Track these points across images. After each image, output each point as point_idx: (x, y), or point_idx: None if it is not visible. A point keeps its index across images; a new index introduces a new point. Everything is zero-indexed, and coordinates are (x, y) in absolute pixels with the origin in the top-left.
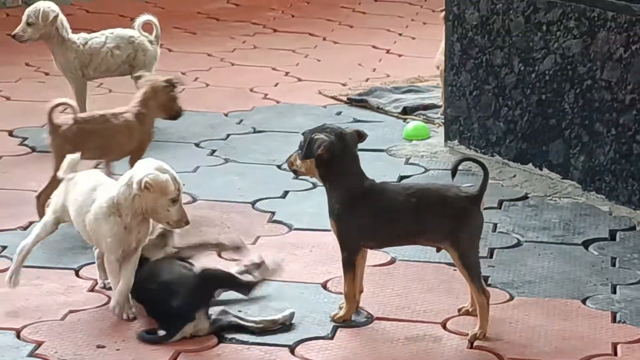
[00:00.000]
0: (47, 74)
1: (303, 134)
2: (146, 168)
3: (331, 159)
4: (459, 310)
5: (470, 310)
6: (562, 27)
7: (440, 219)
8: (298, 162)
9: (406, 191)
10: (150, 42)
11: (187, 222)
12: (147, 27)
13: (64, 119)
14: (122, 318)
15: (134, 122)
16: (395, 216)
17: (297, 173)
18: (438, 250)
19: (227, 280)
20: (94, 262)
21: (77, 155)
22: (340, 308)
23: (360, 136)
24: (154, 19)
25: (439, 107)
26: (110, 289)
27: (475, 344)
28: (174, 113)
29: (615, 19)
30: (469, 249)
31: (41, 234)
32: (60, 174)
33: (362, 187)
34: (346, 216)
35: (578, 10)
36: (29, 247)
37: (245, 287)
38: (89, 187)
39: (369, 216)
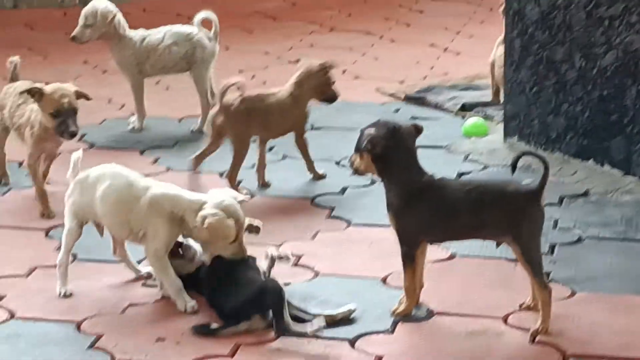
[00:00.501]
0: (105, 71)
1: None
2: (216, 204)
3: (385, 153)
4: (520, 305)
5: (532, 305)
6: (624, 21)
7: (500, 214)
8: (357, 160)
9: (465, 186)
10: (209, 38)
11: (243, 257)
12: (206, 24)
13: (231, 98)
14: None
15: (288, 102)
16: (455, 211)
17: (357, 171)
18: (498, 245)
19: (279, 304)
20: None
21: (80, 152)
22: (401, 303)
23: (418, 130)
24: (213, 16)
25: (497, 104)
26: (149, 277)
27: (537, 339)
28: (327, 97)
29: None
30: (530, 244)
31: (70, 243)
32: (67, 175)
33: (420, 182)
34: (405, 211)
35: None
36: (64, 261)
37: (283, 324)
38: (123, 184)
39: (428, 211)
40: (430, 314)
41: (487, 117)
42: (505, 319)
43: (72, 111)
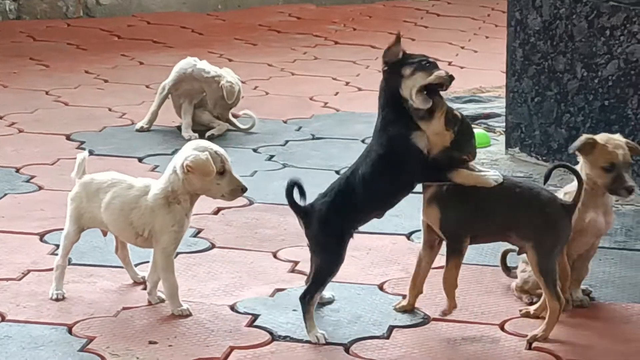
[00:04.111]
0: (106, 81)
1: None
2: (186, 151)
3: None
4: (520, 310)
5: (532, 312)
6: (625, 31)
7: (531, 218)
8: None
9: (511, 181)
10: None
11: (243, 189)
12: None
13: None
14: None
15: None
16: (492, 207)
17: None
18: (519, 252)
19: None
20: (148, 261)
21: (85, 153)
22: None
23: None
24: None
25: (499, 115)
26: (144, 284)
27: (533, 345)
28: None
29: None
30: (549, 255)
31: (68, 246)
32: (72, 174)
33: None
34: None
35: None
36: (61, 263)
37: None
38: (123, 187)
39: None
40: (426, 319)
41: (489, 129)
42: (501, 326)
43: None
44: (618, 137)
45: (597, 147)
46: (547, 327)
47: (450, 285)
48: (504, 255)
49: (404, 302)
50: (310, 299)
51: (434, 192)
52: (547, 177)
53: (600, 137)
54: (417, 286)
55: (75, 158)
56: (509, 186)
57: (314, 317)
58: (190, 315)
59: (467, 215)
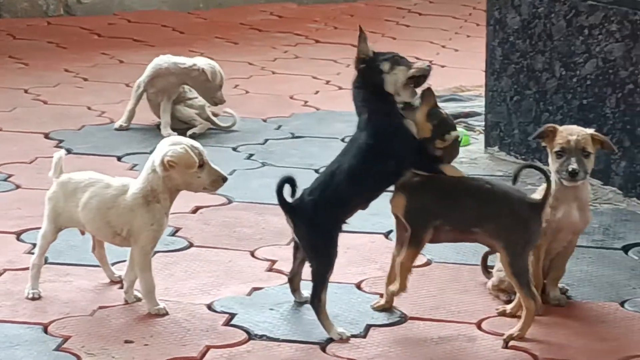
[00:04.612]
0: (85, 79)
1: None
2: (162, 148)
3: None
4: (497, 309)
5: (508, 311)
6: (604, 30)
7: (501, 217)
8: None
9: (483, 179)
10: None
11: (224, 179)
12: None
13: None
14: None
15: None
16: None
17: None
18: (491, 252)
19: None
20: (124, 260)
21: (62, 152)
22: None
23: None
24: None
25: (479, 114)
26: (120, 281)
27: (510, 344)
28: None
29: None
30: (520, 255)
31: (44, 245)
32: (49, 174)
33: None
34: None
35: (620, 13)
36: (37, 262)
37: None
38: (101, 187)
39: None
40: (403, 318)
41: (469, 128)
42: (479, 324)
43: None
44: (580, 129)
45: (555, 134)
46: (523, 327)
47: (405, 269)
48: (485, 257)
49: (382, 301)
50: (319, 301)
51: (403, 180)
52: (515, 177)
53: (561, 126)
54: (392, 284)
55: (53, 157)
56: (480, 182)
57: (327, 316)
58: (166, 314)
59: (434, 205)
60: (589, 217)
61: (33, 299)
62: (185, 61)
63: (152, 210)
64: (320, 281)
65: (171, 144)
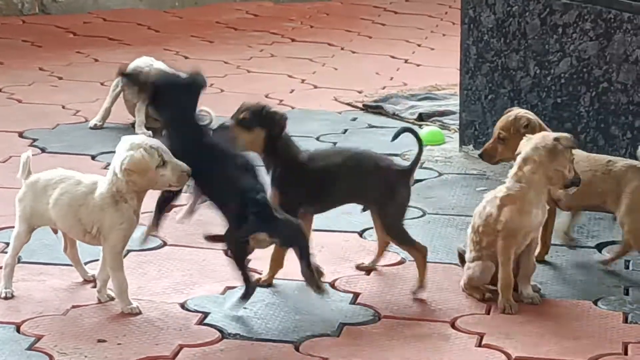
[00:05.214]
0: (60, 78)
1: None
2: (120, 154)
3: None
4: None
5: (366, 265)
6: (578, 29)
7: (372, 185)
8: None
9: (342, 155)
10: None
11: (189, 173)
12: None
13: None
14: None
15: None
16: (335, 179)
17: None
18: (364, 210)
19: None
20: (98, 259)
21: (29, 153)
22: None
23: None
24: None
25: (454, 113)
26: (93, 279)
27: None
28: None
29: (631, 21)
30: (394, 219)
31: (18, 246)
32: (18, 175)
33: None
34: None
35: (594, 12)
36: (10, 262)
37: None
38: (71, 183)
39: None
40: (377, 317)
41: (443, 126)
42: (452, 323)
43: None
44: (529, 113)
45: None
46: (421, 277)
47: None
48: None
49: (265, 276)
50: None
51: (272, 177)
52: (395, 137)
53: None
54: (277, 261)
55: (20, 157)
56: (347, 160)
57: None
58: (139, 313)
59: (307, 194)
60: (546, 209)
61: (6, 298)
62: (168, 69)
63: (121, 209)
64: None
65: (128, 149)
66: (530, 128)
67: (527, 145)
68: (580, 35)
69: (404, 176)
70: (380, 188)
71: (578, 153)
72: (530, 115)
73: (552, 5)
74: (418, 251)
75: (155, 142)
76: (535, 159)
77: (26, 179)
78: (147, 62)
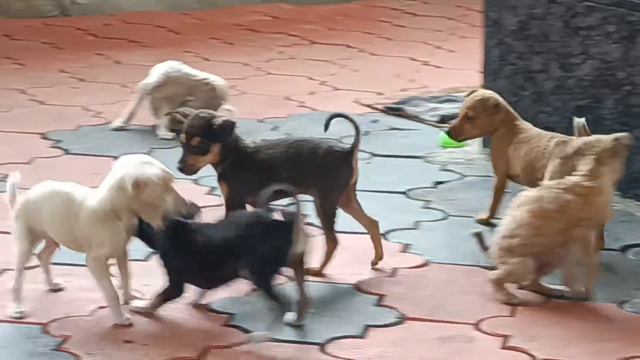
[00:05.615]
0: (81, 80)
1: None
2: (132, 166)
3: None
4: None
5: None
6: (601, 31)
7: (312, 169)
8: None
9: (285, 142)
10: None
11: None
12: None
13: None
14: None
15: None
16: (278, 169)
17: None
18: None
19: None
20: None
21: (17, 176)
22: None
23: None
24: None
25: None
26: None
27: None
28: None
29: None
30: (330, 199)
31: (22, 265)
32: (5, 199)
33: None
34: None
35: (618, 14)
36: (17, 288)
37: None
38: (63, 198)
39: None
40: (401, 318)
41: None
42: (476, 325)
43: None
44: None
45: None
46: (324, 262)
47: None
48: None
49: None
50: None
51: (221, 171)
52: (326, 126)
53: None
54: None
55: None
56: (288, 148)
57: None
58: (131, 326)
59: (254, 186)
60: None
61: (21, 317)
62: (197, 74)
63: (111, 227)
64: None
65: (142, 163)
66: (499, 109)
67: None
68: (604, 37)
69: (345, 158)
70: (323, 171)
71: (531, 130)
72: (497, 96)
73: (576, 7)
74: (332, 241)
75: (163, 166)
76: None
77: (12, 202)
78: (175, 67)
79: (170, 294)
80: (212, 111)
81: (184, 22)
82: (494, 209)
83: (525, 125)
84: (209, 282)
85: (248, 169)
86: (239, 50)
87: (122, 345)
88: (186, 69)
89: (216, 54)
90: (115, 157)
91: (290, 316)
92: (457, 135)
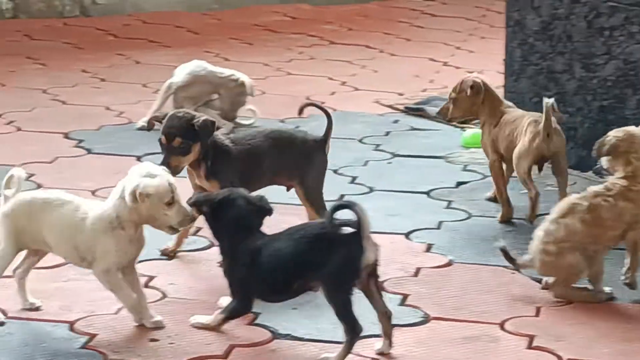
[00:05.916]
0: (102, 80)
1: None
2: (136, 177)
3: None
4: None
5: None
6: (625, 32)
7: (290, 158)
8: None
9: (262, 133)
10: None
11: (192, 219)
12: None
13: None
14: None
15: None
16: (260, 158)
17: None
18: (288, 189)
19: None
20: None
21: (22, 170)
22: None
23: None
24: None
25: None
26: (37, 309)
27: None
28: None
29: None
30: (314, 187)
31: (4, 267)
32: (6, 192)
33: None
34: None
35: None
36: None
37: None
38: (71, 209)
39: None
40: (426, 318)
41: None
42: (501, 325)
43: None
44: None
45: None
46: None
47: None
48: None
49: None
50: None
51: (206, 170)
52: (300, 111)
53: None
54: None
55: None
56: (265, 138)
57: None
58: (163, 327)
59: (243, 177)
60: None
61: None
62: (223, 71)
63: (116, 236)
64: None
65: (145, 175)
66: (475, 89)
67: None
68: (628, 38)
69: (319, 146)
70: (300, 158)
71: (516, 111)
72: (478, 79)
73: (599, 8)
74: None
75: (172, 178)
76: None
77: (11, 195)
78: (200, 65)
79: (237, 311)
80: (189, 110)
81: (203, 22)
82: (499, 190)
83: (512, 107)
84: (277, 297)
85: (233, 162)
86: (258, 51)
87: (147, 343)
88: (211, 67)
89: (236, 54)
90: (138, 157)
91: (378, 345)
92: (444, 116)
